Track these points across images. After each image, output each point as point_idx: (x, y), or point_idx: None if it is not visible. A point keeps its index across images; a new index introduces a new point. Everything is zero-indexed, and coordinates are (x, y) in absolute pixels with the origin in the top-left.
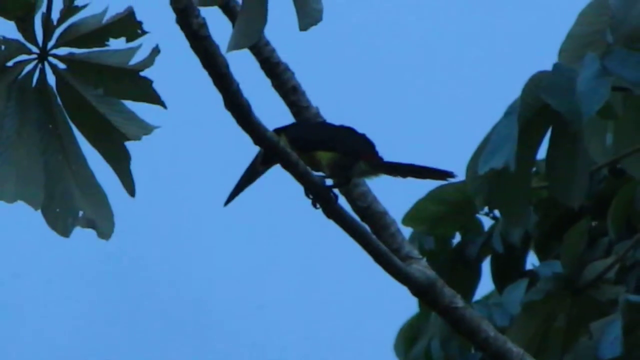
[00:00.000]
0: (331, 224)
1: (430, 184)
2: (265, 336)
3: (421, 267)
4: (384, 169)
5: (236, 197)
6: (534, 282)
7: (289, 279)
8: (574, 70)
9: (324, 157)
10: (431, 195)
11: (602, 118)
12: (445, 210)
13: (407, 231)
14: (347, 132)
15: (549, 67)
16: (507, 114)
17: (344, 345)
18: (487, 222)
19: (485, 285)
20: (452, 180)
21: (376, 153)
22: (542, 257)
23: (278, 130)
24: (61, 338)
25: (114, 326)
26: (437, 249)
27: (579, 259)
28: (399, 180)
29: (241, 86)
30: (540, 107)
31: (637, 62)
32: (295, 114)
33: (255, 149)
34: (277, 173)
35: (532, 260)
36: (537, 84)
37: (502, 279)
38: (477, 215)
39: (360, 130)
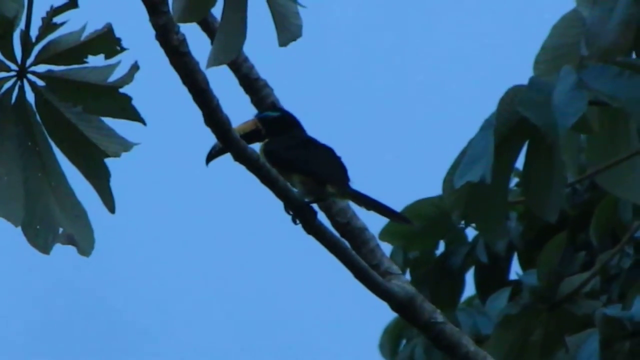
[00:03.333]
0: (311, 240)
1: (407, 200)
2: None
3: (400, 283)
4: (349, 197)
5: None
6: (518, 291)
7: (267, 296)
8: (550, 83)
9: (294, 175)
10: (408, 210)
11: (578, 132)
12: (422, 225)
13: (386, 247)
14: (322, 154)
15: (523, 80)
16: (483, 127)
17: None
18: (470, 233)
19: (466, 292)
20: (406, 224)
21: (345, 180)
22: (525, 266)
23: (265, 121)
24: None
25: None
26: (422, 259)
27: (555, 273)
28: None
29: (221, 102)
30: (516, 121)
31: (613, 75)
32: None
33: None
34: (254, 192)
35: (516, 270)
36: (513, 98)
37: (486, 288)
38: (461, 226)
39: (339, 148)
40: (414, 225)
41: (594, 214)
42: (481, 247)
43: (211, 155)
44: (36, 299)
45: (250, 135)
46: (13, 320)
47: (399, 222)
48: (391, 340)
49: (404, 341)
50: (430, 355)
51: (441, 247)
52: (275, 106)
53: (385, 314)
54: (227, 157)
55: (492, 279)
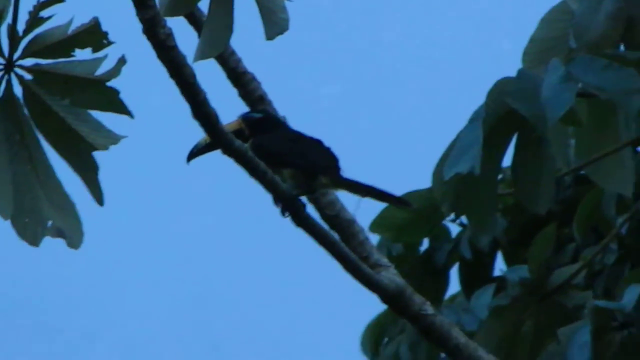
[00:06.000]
0: (300, 232)
1: (399, 191)
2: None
3: (390, 275)
4: (343, 186)
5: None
6: (502, 287)
7: (257, 287)
8: (539, 75)
9: (284, 169)
10: None
11: (567, 125)
12: (412, 217)
13: (375, 238)
14: (311, 146)
15: (512, 72)
16: (472, 119)
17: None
18: (454, 229)
19: (451, 290)
20: (406, 207)
21: (337, 169)
22: (510, 262)
23: (249, 121)
24: None
25: None
26: (405, 256)
27: (546, 265)
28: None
29: (208, 96)
30: (505, 113)
31: (601, 67)
32: None
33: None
34: (240, 187)
35: (500, 266)
36: (501, 90)
37: (470, 285)
38: (445, 222)
39: (326, 142)
40: (413, 208)
41: (577, 210)
42: (465, 244)
43: (193, 154)
44: None
45: (235, 135)
46: None
47: (399, 205)
48: (373, 338)
49: (386, 339)
50: (415, 352)
51: (425, 244)
52: (263, 100)
53: (372, 309)
54: (212, 154)
55: (476, 275)
